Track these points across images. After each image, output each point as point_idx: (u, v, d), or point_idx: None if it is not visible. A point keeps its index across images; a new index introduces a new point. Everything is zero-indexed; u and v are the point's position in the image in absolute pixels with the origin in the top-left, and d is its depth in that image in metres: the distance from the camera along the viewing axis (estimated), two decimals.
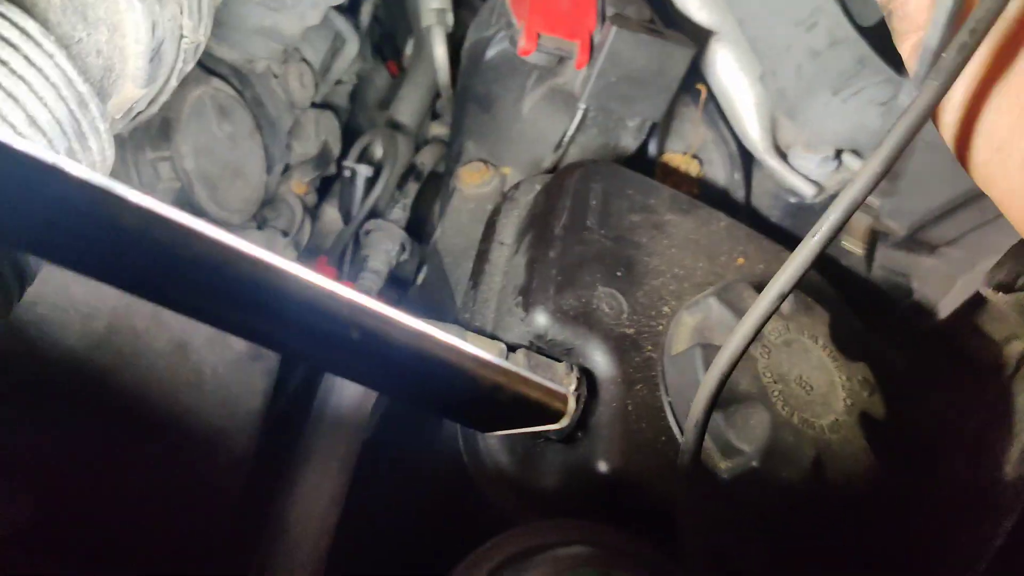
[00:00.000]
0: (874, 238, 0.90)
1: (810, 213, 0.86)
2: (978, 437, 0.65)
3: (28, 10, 0.34)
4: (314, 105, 0.98)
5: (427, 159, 1.02)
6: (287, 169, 0.95)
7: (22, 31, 0.33)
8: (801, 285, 0.45)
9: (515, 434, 0.51)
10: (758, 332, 0.46)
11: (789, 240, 0.78)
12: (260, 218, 0.92)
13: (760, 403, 0.57)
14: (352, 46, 0.98)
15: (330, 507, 0.49)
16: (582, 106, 0.78)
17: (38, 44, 0.33)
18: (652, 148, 0.86)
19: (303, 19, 0.69)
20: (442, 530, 0.60)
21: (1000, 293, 0.65)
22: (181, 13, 0.45)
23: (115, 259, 0.26)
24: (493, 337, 0.62)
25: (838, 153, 0.86)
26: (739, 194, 0.88)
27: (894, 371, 0.69)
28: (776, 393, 0.58)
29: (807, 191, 0.86)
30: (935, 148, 0.62)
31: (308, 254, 0.99)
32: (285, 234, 0.92)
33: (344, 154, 1.04)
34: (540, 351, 0.59)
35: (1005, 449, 0.59)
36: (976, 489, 0.62)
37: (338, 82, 1.05)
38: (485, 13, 0.87)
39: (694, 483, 0.51)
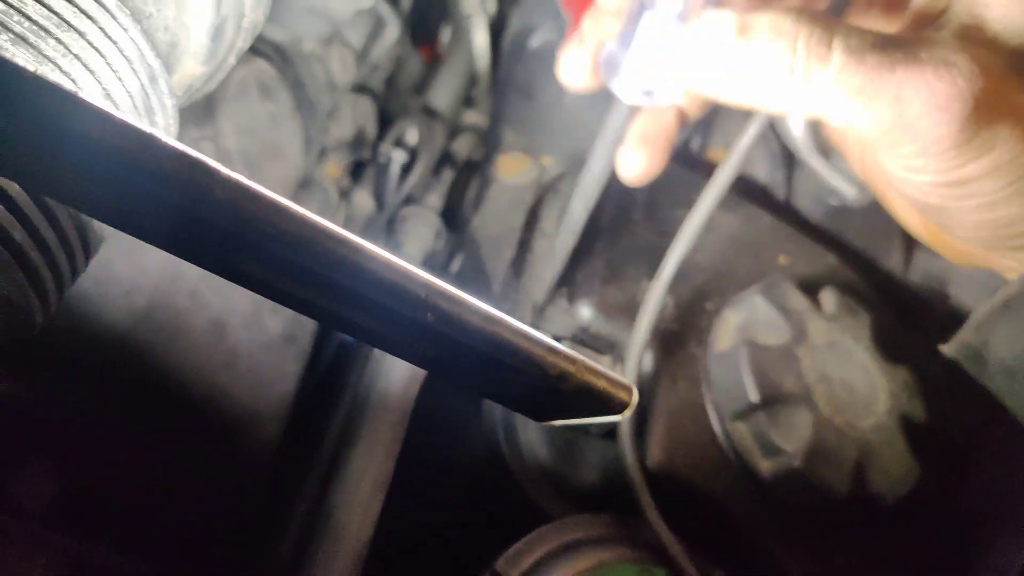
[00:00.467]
0: (911, 244, 0.89)
1: (851, 216, 0.85)
2: (1009, 444, 0.64)
3: None
4: (351, 89, 0.98)
5: (463, 147, 1.01)
6: (323, 152, 0.95)
7: (100, 4, 0.33)
8: None
9: (561, 426, 0.51)
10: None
11: (829, 242, 0.77)
12: (294, 199, 0.91)
13: (804, 403, 0.57)
14: (393, 30, 0.97)
15: (375, 493, 0.49)
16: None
17: (114, 17, 0.33)
18: (696, 144, 0.85)
19: (355, 2, 0.69)
20: (479, 520, 0.60)
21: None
22: None
23: (202, 232, 0.26)
24: (534, 327, 0.62)
25: None
26: (780, 193, 0.87)
27: (933, 376, 0.68)
28: (819, 394, 0.58)
29: (849, 192, 0.85)
30: None
31: None
32: None
33: (379, 139, 1.03)
34: (583, 343, 0.59)
35: None
36: (1012, 496, 0.62)
37: (375, 67, 1.05)
38: (530, 1, 0.87)
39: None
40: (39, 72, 0.23)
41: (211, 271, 0.29)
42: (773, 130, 0.88)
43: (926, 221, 0.51)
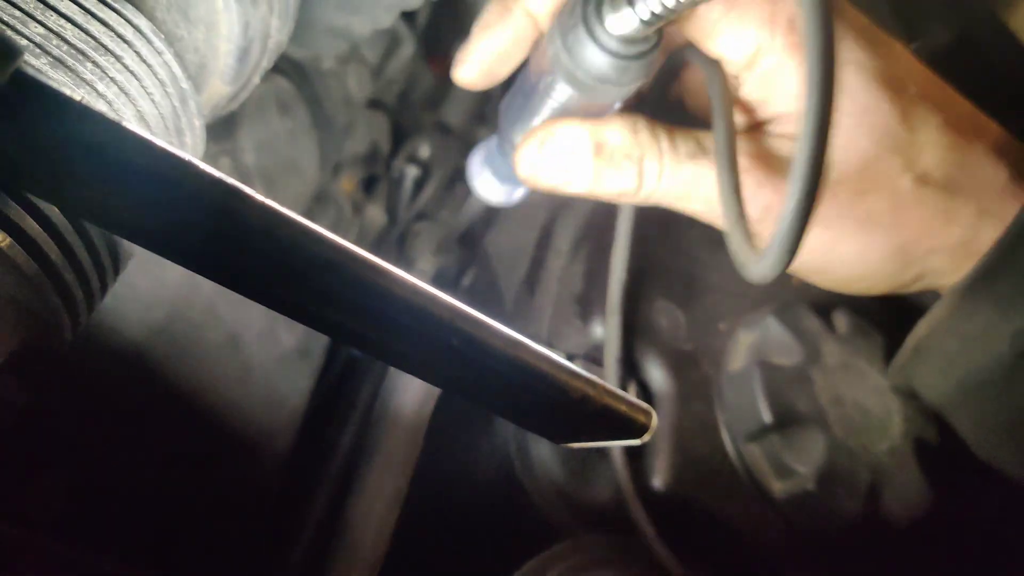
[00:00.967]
0: None
1: None
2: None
3: (138, 7, 0.35)
4: (366, 104, 0.98)
5: None
6: (337, 167, 0.96)
7: (136, 28, 0.33)
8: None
9: (582, 447, 0.51)
10: None
11: None
12: (308, 214, 0.92)
13: (817, 425, 0.57)
14: (408, 47, 0.98)
15: (390, 508, 0.49)
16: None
17: (149, 41, 0.34)
18: None
19: (376, 22, 0.70)
20: (492, 537, 0.60)
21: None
22: (271, 13, 0.46)
23: (237, 257, 0.26)
24: (548, 345, 0.62)
25: None
26: None
27: None
28: (833, 416, 0.58)
29: None
30: None
31: None
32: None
33: (392, 154, 1.04)
34: (596, 362, 0.59)
35: None
36: None
37: (389, 82, 1.06)
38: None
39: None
40: (84, 100, 0.24)
41: (242, 294, 0.29)
42: None
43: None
